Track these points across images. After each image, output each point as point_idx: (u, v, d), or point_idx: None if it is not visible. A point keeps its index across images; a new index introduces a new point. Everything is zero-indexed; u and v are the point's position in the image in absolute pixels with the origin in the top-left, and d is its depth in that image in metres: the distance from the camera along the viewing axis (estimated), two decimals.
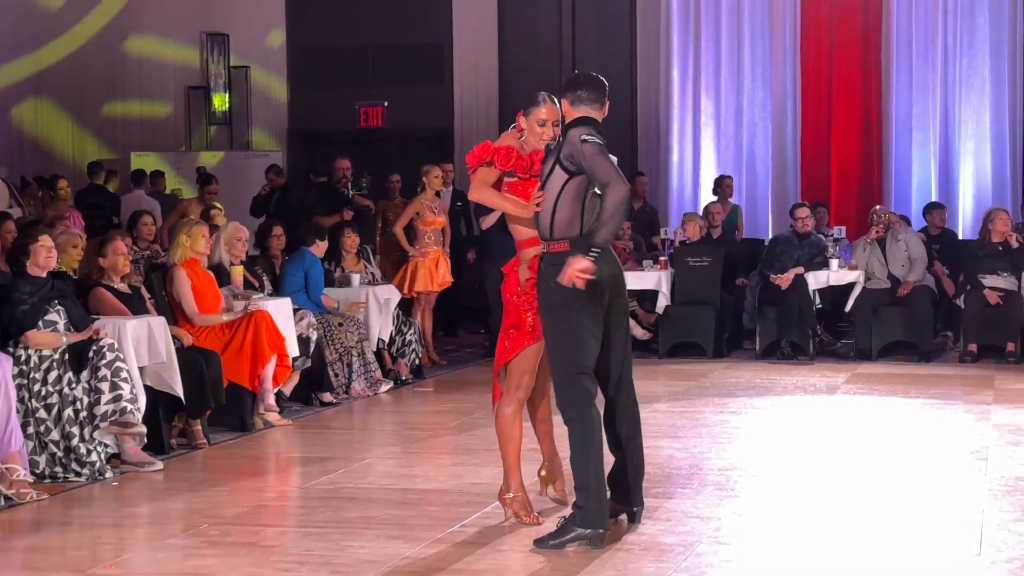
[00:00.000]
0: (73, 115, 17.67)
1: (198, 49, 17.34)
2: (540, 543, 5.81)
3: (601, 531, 5.77)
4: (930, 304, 12.82)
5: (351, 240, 11.57)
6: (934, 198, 15.00)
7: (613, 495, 6.04)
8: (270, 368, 9.14)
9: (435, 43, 16.61)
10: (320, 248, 10.88)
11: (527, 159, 6.14)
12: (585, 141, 5.76)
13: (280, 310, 9.52)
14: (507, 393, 6.18)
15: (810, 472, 7.66)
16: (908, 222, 13.92)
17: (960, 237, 14.35)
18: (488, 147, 6.20)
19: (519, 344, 6.09)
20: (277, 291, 10.36)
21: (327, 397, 10.12)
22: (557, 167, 5.89)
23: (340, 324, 10.52)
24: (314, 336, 10.03)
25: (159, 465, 7.78)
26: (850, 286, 12.96)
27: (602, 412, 6.02)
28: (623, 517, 6.14)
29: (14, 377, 7.15)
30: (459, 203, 13.92)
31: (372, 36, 16.76)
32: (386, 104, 16.79)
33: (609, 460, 6.00)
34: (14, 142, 17.26)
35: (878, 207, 13.87)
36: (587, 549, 5.73)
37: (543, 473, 6.53)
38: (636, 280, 13.19)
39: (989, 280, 12.41)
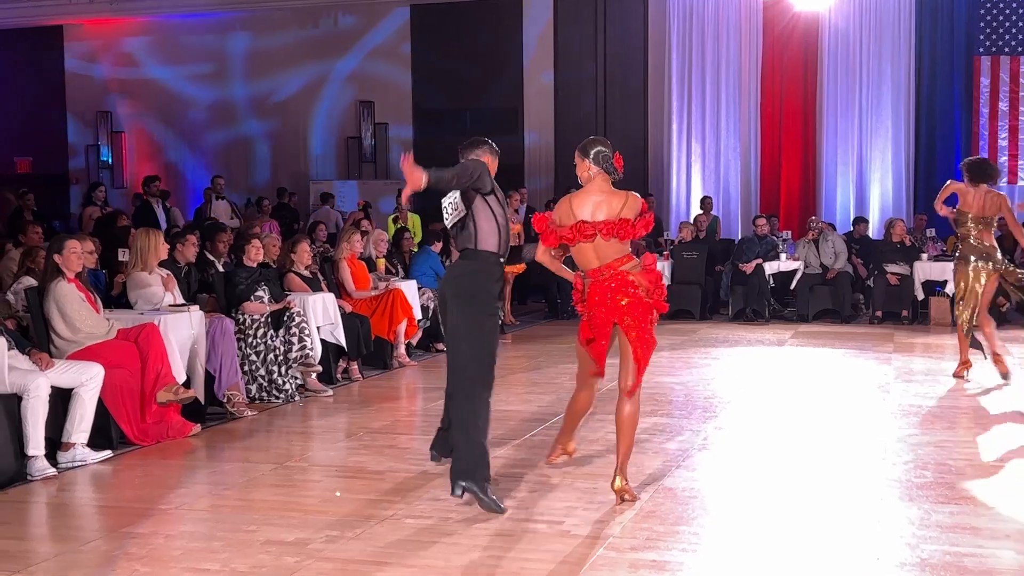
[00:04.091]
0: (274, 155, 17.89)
1: (355, 111, 17.41)
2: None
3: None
4: (849, 284, 12.67)
5: (436, 246, 11.57)
6: (852, 212, 14.84)
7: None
8: (402, 327, 9.20)
9: (511, 107, 16.53)
10: (436, 247, 10.90)
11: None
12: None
13: (409, 288, 9.58)
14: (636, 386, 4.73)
15: (767, 399, 7.62)
16: (834, 227, 13.74)
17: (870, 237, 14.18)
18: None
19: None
20: (408, 276, 10.41)
21: (440, 346, 10.14)
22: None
23: None
24: (431, 305, 10.06)
25: (330, 392, 7.87)
26: (794, 271, 12.85)
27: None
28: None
29: (235, 333, 7.27)
30: (530, 215, 13.91)
31: (469, 102, 16.71)
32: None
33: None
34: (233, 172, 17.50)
35: (813, 217, 13.71)
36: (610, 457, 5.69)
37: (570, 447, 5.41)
38: None
39: (890, 268, 12.27)
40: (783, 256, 12.89)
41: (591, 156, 4.82)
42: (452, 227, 4.89)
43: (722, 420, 6.74)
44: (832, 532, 4.37)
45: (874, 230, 14.19)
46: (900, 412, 6.92)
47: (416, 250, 11.13)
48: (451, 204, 4.84)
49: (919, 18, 14.81)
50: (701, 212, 14.47)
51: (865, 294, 12.99)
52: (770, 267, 12.73)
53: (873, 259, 12.68)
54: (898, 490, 4.98)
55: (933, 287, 12.19)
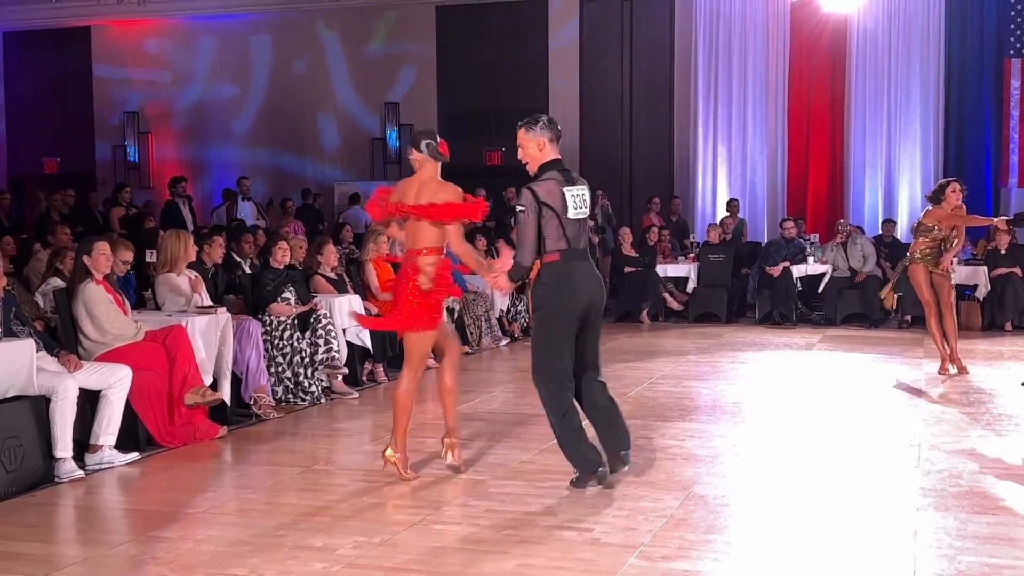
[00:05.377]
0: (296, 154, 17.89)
1: (380, 113, 17.42)
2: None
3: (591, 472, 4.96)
4: (878, 287, 12.46)
5: (481, 242, 11.53)
6: (880, 216, 14.68)
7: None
8: None
9: (536, 108, 16.39)
10: None
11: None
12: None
13: None
14: (409, 372, 5.31)
15: (796, 404, 7.53)
16: (862, 230, 13.62)
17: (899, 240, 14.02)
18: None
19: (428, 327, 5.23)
20: None
21: (465, 349, 10.11)
22: None
23: (472, 300, 10.51)
24: (456, 307, 10.03)
25: (356, 395, 7.85)
26: (822, 274, 12.75)
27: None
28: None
29: (262, 335, 7.26)
30: None
31: (493, 103, 16.63)
32: (503, 149, 16.68)
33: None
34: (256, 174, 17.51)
35: (841, 220, 13.58)
36: (636, 463, 5.65)
37: (446, 440, 5.50)
38: (673, 270, 13.20)
39: None
40: (811, 259, 12.78)
41: (420, 145, 5.39)
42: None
43: (751, 425, 6.66)
44: (867, 542, 4.29)
45: (903, 233, 14.03)
46: (932, 419, 6.83)
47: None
48: (579, 197, 5.21)
49: (948, 20, 14.65)
50: (728, 214, 14.37)
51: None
52: (797, 270, 12.63)
53: (902, 262, 12.51)
54: (933, 499, 4.90)
55: (963, 291, 12.04)
